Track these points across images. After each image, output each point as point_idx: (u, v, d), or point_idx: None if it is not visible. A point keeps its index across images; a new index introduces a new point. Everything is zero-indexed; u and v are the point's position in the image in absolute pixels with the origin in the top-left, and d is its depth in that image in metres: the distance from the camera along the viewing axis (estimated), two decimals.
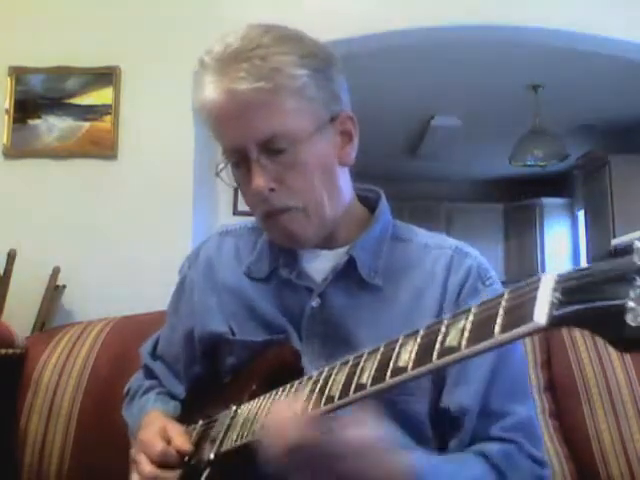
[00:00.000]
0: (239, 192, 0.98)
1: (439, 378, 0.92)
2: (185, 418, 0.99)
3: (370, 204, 1.02)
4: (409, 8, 2.32)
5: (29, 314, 2.04)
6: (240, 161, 0.90)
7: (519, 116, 4.63)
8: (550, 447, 1.35)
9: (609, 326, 0.44)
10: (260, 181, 0.87)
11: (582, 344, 1.42)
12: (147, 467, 0.88)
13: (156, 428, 0.92)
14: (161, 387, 1.10)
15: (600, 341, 1.42)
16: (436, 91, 4.49)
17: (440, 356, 0.56)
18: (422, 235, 1.01)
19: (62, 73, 2.30)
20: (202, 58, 0.89)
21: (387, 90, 4.33)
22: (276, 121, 0.86)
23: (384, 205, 1.01)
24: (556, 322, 0.47)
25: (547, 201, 7.01)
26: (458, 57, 3.71)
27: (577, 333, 1.44)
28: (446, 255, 0.97)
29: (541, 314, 0.47)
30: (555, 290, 0.48)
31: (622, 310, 0.42)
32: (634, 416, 1.33)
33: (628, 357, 1.39)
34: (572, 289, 0.47)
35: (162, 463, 0.88)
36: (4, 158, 2.30)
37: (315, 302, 0.94)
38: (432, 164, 6.63)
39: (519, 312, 0.50)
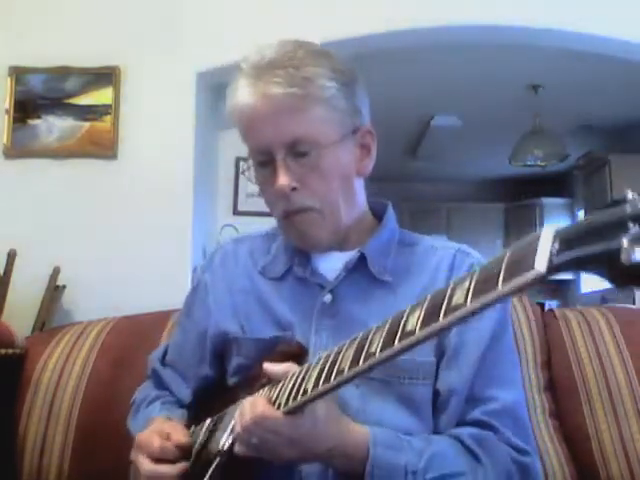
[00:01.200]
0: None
1: (439, 362, 0.96)
2: (194, 421, 0.99)
3: (379, 214, 1.08)
4: (409, 8, 2.32)
5: (29, 314, 2.04)
6: (266, 161, 0.95)
7: (519, 116, 4.62)
8: (550, 447, 1.35)
9: (605, 266, 0.47)
10: (284, 179, 0.93)
11: (582, 344, 1.42)
12: (147, 466, 0.91)
13: (153, 428, 0.95)
14: (168, 397, 1.11)
15: (600, 341, 1.42)
16: (436, 91, 4.49)
17: (446, 314, 0.58)
18: (427, 239, 1.08)
19: (62, 73, 2.30)
20: (239, 64, 0.96)
21: (387, 90, 4.32)
22: (304, 126, 0.92)
23: (391, 214, 1.08)
24: (556, 268, 0.50)
25: (547, 201, 7.01)
26: (458, 57, 3.70)
27: (577, 333, 1.44)
28: (450, 254, 1.03)
29: (541, 263, 0.50)
30: (554, 241, 0.51)
31: (616, 251, 0.45)
32: (634, 416, 1.33)
33: (628, 357, 1.39)
34: (569, 238, 0.50)
35: (161, 459, 0.90)
36: (4, 158, 2.30)
37: (327, 298, 0.99)
38: (432, 164, 6.62)
39: (521, 264, 0.52)
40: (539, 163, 4.70)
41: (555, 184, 6.95)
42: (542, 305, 1.51)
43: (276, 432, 0.78)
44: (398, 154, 6.31)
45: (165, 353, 1.17)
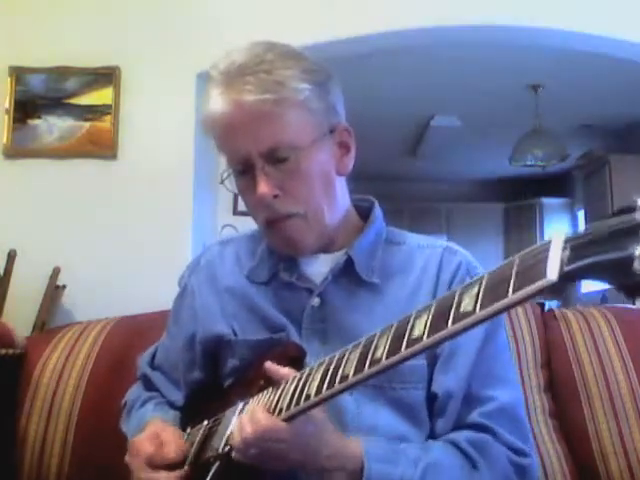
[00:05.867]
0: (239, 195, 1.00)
1: (432, 365, 0.95)
2: (187, 422, 0.99)
3: (365, 212, 1.07)
4: (409, 8, 2.32)
5: (29, 314, 2.04)
6: (245, 169, 0.93)
7: (519, 116, 4.63)
8: (550, 447, 1.35)
9: (619, 275, 0.46)
10: (265, 188, 0.91)
11: (582, 344, 1.42)
12: (142, 472, 0.90)
13: (148, 432, 0.94)
14: (159, 398, 1.11)
15: (600, 341, 1.42)
16: (436, 91, 4.49)
17: (455, 321, 0.57)
18: (414, 237, 1.07)
19: (62, 73, 2.30)
20: (208, 72, 0.94)
21: (387, 90, 4.33)
22: (280, 131, 0.90)
23: (378, 212, 1.06)
24: (567, 276, 0.49)
25: (547, 201, 7.01)
26: (458, 57, 3.71)
27: (577, 333, 1.44)
28: (437, 253, 1.02)
29: (552, 270, 0.50)
30: (564, 249, 0.50)
31: (629, 260, 0.45)
32: (634, 416, 1.33)
33: (628, 357, 1.39)
34: (580, 246, 0.49)
35: (151, 467, 0.90)
36: (4, 158, 2.29)
37: (315, 302, 0.98)
38: (432, 164, 6.62)
39: (531, 272, 0.52)
40: (539, 163, 4.70)
41: (555, 184, 6.96)
42: (542, 305, 1.51)
43: (278, 440, 0.77)
44: (398, 154, 6.32)
45: (154, 356, 1.17)
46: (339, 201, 1.00)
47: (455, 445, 0.90)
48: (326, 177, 0.96)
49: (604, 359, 1.39)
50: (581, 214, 6.34)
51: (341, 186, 1.01)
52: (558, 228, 6.91)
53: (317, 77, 0.94)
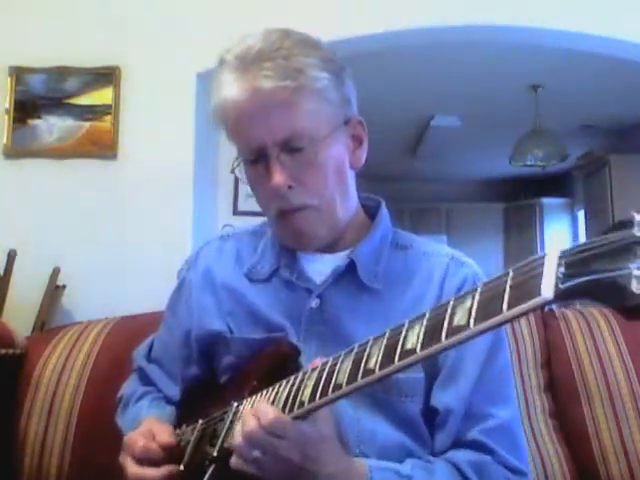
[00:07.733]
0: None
1: (431, 378, 0.94)
2: (183, 419, 0.98)
3: (371, 212, 1.04)
4: (409, 8, 2.32)
5: (29, 314, 2.04)
6: (257, 158, 0.91)
7: (519, 116, 4.62)
8: (550, 447, 1.35)
9: (615, 295, 0.45)
10: (280, 178, 0.89)
11: (582, 344, 1.42)
12: (131, 469, 0.88)
13: (141, 429, 0.93)
14: (155, 393, 1.10)
15: (600, 341, 1.42)
16: (436, 91, 4.49)
17: (449, 335, 0.56)
18: (421, 243, 1.04)
19: (62, 73, 2.30)
20: (222, 56, 0.91)
21: (387, 90, 4.33)
22: (298, 120, 0.88)
23: (384, 213, 1.04)
24: (562, 295, 0.48)
25: (547, 201, 7.02)
26: (458, 57, 3.70)
27: (577, 333, 1.44)
28: (443, 262, 0.99)
29: (548, 288, 0.48)
30: (559, 265, 0.49)
31: (627, 278, 0.43)
32: (634, 416, 1.33)
33: (628, 357, 1.39)
34: (576, 263, 0.48)
35: (145, 460, 0.88)
36: (4, 158, 2.29)
37: (314, 303, 0.96)
38: (432, 164, 6.63)
39: (526, 288, 0.51)
40: (539, 163, 4.70)
41: (555, 184, 6.96)
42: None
43: (282, 435, 0.74)
44: (398, 154, 6.32)
45: (150, 349, 1.16)
46: (351, 195, 0.98)
47: (457, 469, 0.89)
48: (340, 170, 0.94)
49: (604, 359, 1.39)
50: (581, 214, 6.34)
51: (352, 181, 0.99)
52: (558, 228, 6.92)
53: (334, 67, 0.91)
